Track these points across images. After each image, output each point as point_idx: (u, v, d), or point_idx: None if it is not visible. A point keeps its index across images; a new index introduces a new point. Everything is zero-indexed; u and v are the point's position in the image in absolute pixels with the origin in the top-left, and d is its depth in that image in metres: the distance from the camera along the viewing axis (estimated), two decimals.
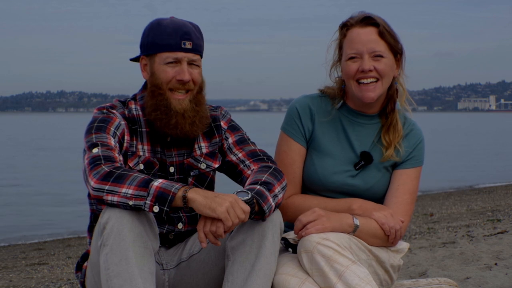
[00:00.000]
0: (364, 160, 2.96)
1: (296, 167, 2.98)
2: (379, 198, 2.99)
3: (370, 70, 2.87)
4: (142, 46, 2.88)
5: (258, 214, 2.63)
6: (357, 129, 3.00)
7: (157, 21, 2.87)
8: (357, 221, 2.78)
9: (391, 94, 2.98)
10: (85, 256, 2.91)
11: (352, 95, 2.97)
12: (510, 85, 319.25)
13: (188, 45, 2.82)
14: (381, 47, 2.87)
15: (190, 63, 2.84)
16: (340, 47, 2.95)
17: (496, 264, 5.03)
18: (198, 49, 2.86)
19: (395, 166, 3.01)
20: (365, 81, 2.88)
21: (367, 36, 2.87)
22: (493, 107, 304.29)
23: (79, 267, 2.94)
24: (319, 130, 3.00)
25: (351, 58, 2.89)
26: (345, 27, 2.92)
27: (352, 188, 2.96)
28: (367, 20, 2.89)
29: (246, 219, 2.55)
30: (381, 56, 2.87)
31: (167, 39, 2.81)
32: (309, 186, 3.00)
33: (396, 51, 2.92)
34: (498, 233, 6.75)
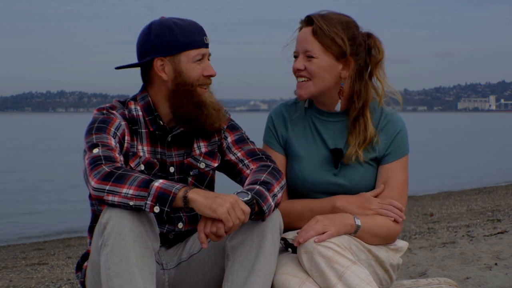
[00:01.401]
0: (335, 156, 2.95)
1: None
2: None
3: (299, 69, 2.90)
4: (158, 47, 2.81)
5: (257, 215, 2.63)
6: (329, 127, 3.00)
7: (170, 22, 2.82)
8: (358, 221, 2.78)
9: (347, 96, 2.94)
10: (85, 256, 2.91)
11: None
12: (510, 85, 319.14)
13: (207, 40, 2.87)
14: (313, 47, 2.88)
15: (209, 58, 2.88)
16: None
17: (496, 264, 5.03)
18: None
19: (377, 160, 2.99)
20: (298, 79, 2.93)
21: (303, 36, 2.91)
22: (493, 107, 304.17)
23: (79, 267, 2.94)
24: (294, 134, 3.02)
25: (294, 56, 2.95)
26: (299, 27, 2.97)
27: (338, 187, 2.95)
28: (307, 20, 2.92)
29: (246, 220, 2.56)
30: (312, 57, 2.88)
31: (191, 36, 2.81)
32: (297, 191, 3.01)
33: (338, 52, 2.87)
34: (498, 233, 6.75)
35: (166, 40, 2.80)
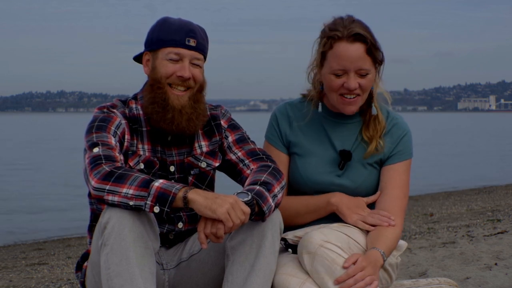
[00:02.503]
0: (343, 158, 2.95)
1: None
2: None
3: (355, 88, 2.85)
4: (147, 42, 2.89)
5: (258, 215, 2.63)
6: (338, 129, 3.00)
7: (164, 19, 2.89)
8: (384, 254, 2.74)
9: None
10: (85, 256, 2.91)
11: (330, 98, 2.94)
12: (510, 85, 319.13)
13: (192, 42, 2.83)
14: (367, 64, 2.84)
15: (192, 61, 2.84)
16: (324, 56, 2.88)
17: (496, 264, 5.03)
18: (201, 48, 2.86)
19: (381, 163, 3.00)
20: (348, 96, 2.87)
21: (355, 53, 2.81)
22: (493, 107, 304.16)
23: (79, 267, 2.94)
24: (299, 134, 3.01)
25: (336, 73, 2.85)
26: (332, 38, 2.83)
27: (340, 188, 2.96)
28: (357, 36, 2.81)
29: (246, 220, 2.55)
30: (367, 74, 2.85)
31: (172, 34, 2.82)
32: (299, 190, 3.01)
33: (379, 61, 2.90)
34: (498, 233, 6.75)
35: (153, 36, 2.87)
